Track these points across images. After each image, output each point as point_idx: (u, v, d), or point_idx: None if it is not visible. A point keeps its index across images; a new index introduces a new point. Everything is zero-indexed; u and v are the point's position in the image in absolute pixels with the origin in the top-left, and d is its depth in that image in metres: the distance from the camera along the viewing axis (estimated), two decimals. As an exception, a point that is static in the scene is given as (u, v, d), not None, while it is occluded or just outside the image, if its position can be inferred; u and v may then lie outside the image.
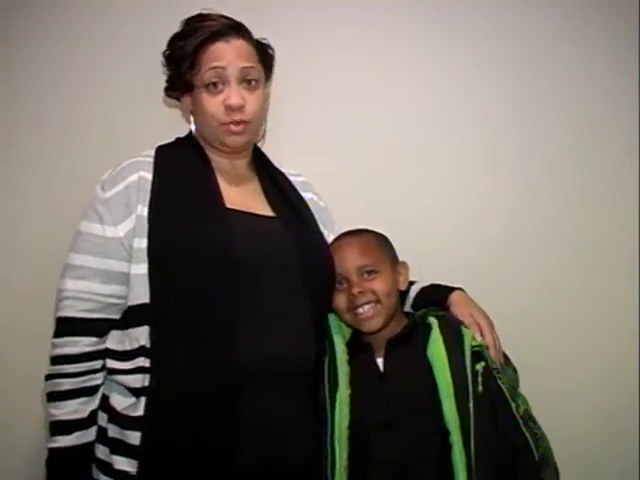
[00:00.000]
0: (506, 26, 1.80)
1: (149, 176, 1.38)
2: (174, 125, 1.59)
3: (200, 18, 1.45)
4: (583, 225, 1.76)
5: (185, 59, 1.42)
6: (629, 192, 1.75)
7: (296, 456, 1.35)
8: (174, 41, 1.46)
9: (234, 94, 1.40)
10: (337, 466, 1.35)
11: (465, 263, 1.74)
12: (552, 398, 1.71)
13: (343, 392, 1.38)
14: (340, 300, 1.44)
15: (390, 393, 1.38)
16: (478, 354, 1.39)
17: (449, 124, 1.81)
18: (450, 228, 1.78)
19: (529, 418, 1.40)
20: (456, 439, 1.31)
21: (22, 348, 1.66)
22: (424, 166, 1.80)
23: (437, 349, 1.37)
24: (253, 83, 1.43)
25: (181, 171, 1.41)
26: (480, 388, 1.36)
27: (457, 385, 1.34)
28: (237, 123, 1.41)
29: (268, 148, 1.60)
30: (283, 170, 1.58)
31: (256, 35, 1.49)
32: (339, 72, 1.80)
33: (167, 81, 1.49)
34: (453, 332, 1.40)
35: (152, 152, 1.43)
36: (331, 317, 1.49)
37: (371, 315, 1.42)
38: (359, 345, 1.45)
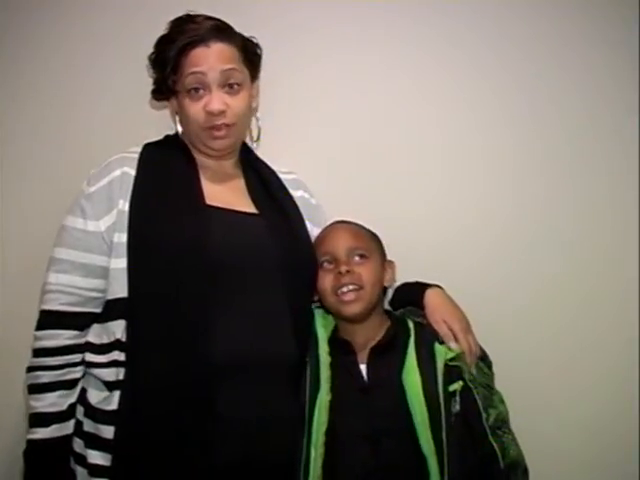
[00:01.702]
0: (507, 28, 1.79)
1: (132, 172, 1.39)
2: (173, 125, 1.58)
3: (184, 21, 1.45)
4: (583, 230, 1.74)
5: (167, 64, 1.43)
6: (630, 197, 1.74)
7: (276, 455, 1.35)
8: (159, 44, 1.47)
9: (215, 99, 1.40)
10: (311, 473, 1.35)
11: (461, 267, 1.72)
12: (551, 403, 1.71)
13: (323, 398, 1.38)
14: (326, 280, 1.44)
15: (375, 406, 1.38)
16: (455, 371, 1.38)
17: (448, 126, 1.79)
18: (447, 232, 1.76)
19: (502, 422, 1.40)
20: (433, 467, 1.33)
21: (16, 340, 1.66)
22: (423, 168, 1.79)
23: (412, 375, 1.37)
24: (235, 87, 1.43)
25: (164, 168, 1.42)
26: (457, 407, 1.36)
27: (432, 412, 1.34)
28: (219, 127, 1.41)
29: (264, 147, 1.60)
30: (274, 168, 1.58)
31: (254, 35, 1.50)
32: (338, 73, 1.79)
33: (154, 84, 1.50)
34: (427, 351, 1.40)
35: (139, 149, 1.45)
36: (318, 312, 1.49)
37: (352, 299, 1.41)
38: (340, 343, 1.44)
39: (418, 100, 1.80)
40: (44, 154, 1.81)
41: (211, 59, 1.41)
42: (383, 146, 1.79)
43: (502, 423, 1.40)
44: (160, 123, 1.67)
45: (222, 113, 1.40)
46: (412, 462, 1.34)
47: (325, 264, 1.45)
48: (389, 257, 1.53)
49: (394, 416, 1.36)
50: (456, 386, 1.37)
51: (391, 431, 1.36)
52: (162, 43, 1.45)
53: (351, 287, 1.41)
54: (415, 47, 1.80)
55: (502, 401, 1.44)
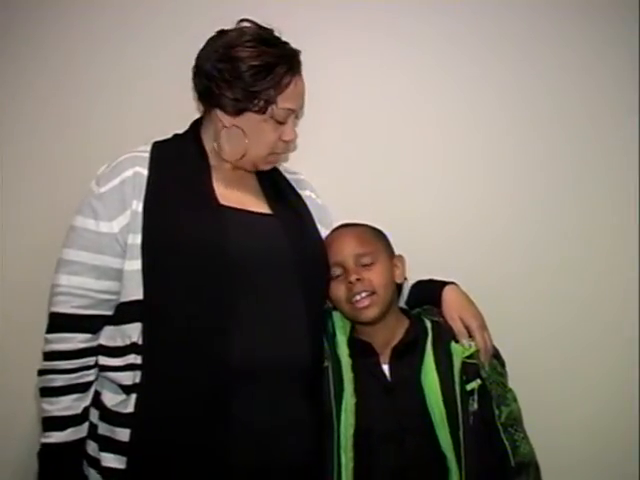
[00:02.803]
0: (507, 28, 1.79)
1: (145, 172, 1.37)
2: (172, 124, 1.58)
3: (274, 42, 1.41)
4: (583, 230, 1.75)
5: (270, 87, 1.37)
6: (630, 197, 1.74)
7: (292, 458, 1.34)
8: (243, 61, 1.37)
9: (292, 130, 1.42)
10: (343, 477, 1.35)
11: (465, 265, 1.72)
12: (551, 402, 1.72)
13: (349, 400, 1.38)
14: (338, 289, 1.44)
15: (399, 406, 1.38)
16: (473, 369, 1.39)
17: (450, 126, 1.80)
18: (451, 231, 1.77)
19: (514, 421, 1.41)
20: (452, 465, 1.34)
21: (18, 342, 1.66)
22: (426, 168, 1.80)
23: (429, 375, 1.38)
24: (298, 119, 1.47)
25: (176, 167, 1.40)
26: (475, 406, 1.37)
27: (450, 412, 1.36)
28: (279, 155, 1.45)
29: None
30: (280, 168, 1.57)
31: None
32: (340, 74, 1.79)
33: (224, 96, 1.38)
34: (443, 350, 1.41)
35: (148, 147, 1.42)
36: (336, 314, 1.48)
37: (367, 305, 1.41)
38: (360, 345, 1.44)
39: (419, 100, 1.80)
40: (43, 154, 1.80)
41: (301, 94, 1.43)
42: (387, 147, 1.79)
43: (514, 421, 1.41)
44: (160, 122, 1.66)
45: (292, 142, 1.44)
46: (434, 460, 1.35)
47: (332, 274, 1.45)
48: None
49: (416, 415, 1.37)
50: (474, 385, 1.38)
51: (414, 430, 1.37)
52: (250, 59, 1.37)
53: (364, 294, 1.41)
54: (415, 47, 1.80)
55: (515, 399, 1.44)
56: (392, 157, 1.79)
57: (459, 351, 1.40)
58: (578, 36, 1.77)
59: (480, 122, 1.79)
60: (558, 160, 1.77)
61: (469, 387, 1.38)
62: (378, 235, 1.50)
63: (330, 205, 1.63)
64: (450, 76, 1.80)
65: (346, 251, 1.44)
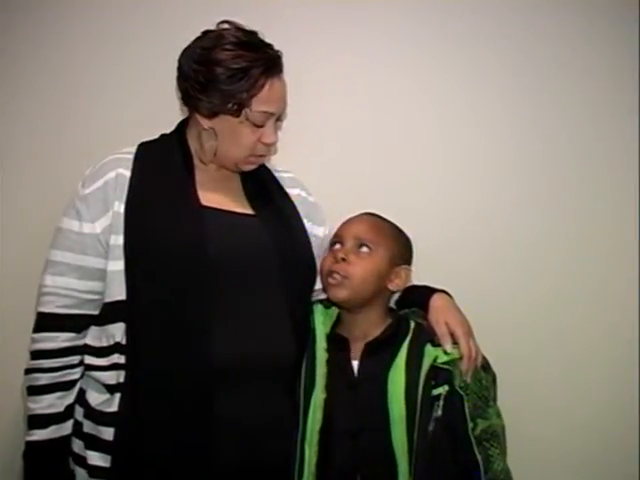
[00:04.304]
0: (507, 28, 1.78)
1: (127, 173, 1.38)
2: (172, 124, 1.58)
3: (255, 43, 1.39)
4: (583, 230, 1.75)
5: (244, 91, 1.36)
6: (629, 197, 1.74)
7: (274, 456, 1.35)
8: (219, 64, 1.36)
9: (272, 133, 1.41)
10: (305, 472, 1.36)
11: (463, 266, 1.73)
12: (551, 403, 1.72)
13: (319, 396, 1.38)
14: (326, 260, 1.45)
15: (360, 402, 1.38)
16: (444, 374, 1.37)
17: (449, 127, 1.79)
18: (450, 231, 1.77)
19: (492, 435, 1.37)
20: (402, 467, 1.33)
21: (18, 342, 1.66)
22: (425, 168, 1.79)
23: (397, 374, 1.37)
24: (280, 121, 1.46)
25: (159, 168, 1.41)
26: (439, 412, 1.35)
27: (410, 413, 1.34)
28: (260, 157, 1.44)
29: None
30: (269, 167, 1.57)
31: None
32: (338, 73, 1.79)
33: (199, 99, 1.39)
34: (417, 351, 1.39)
35: (133, 149, 1.43)
36: (317, 308, 1.48)
37: (336, 284, 1.41)
38: (338, 340, 1.44)
39: (418, 100, 1.80)
40: (43, 154, 1.81)
41: (281, 99, 1.41)
42: (385, 147, 1.78)
43: (491, 436, 1.37)
44: (159, 122, 1.67)
45: (272, 145, 1.43)
46: (386, 461, 1.34)
47: (332, 245, 1.46)
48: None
49: (376, 413, 1.36)
50: (440, 390, 1.35)
51: (370, 428, 1.36)
52: (224, 62, 1.36)
53: (339, 276, 1.40)
54: (415, 47, 1.80)
55: (499, 415, 1.41)
56: (391, 157, 1.78)
57: (431, 353, 1.38)
58: (578, 36, 1.76)
59: (480, 122, 1.79)
60: (558, 160, 1.76)
61: (435, 392, 1.35)
62: (395, 237, 1.48)
63: (329, 205, 1.62)
64: (450, 76, 1.79)
65: (351, 229, 1.45)
